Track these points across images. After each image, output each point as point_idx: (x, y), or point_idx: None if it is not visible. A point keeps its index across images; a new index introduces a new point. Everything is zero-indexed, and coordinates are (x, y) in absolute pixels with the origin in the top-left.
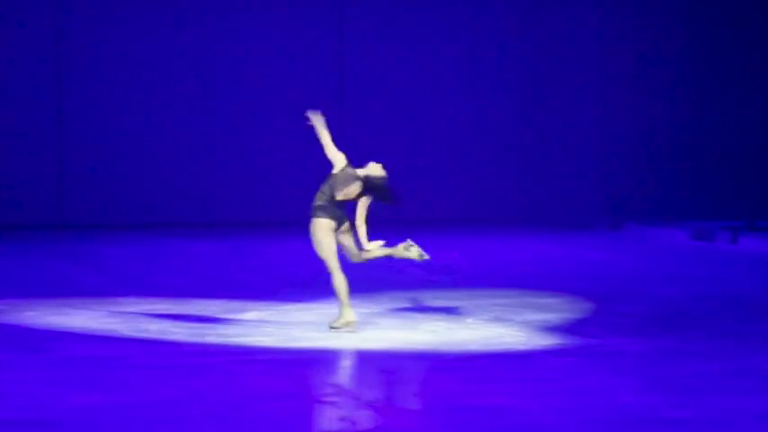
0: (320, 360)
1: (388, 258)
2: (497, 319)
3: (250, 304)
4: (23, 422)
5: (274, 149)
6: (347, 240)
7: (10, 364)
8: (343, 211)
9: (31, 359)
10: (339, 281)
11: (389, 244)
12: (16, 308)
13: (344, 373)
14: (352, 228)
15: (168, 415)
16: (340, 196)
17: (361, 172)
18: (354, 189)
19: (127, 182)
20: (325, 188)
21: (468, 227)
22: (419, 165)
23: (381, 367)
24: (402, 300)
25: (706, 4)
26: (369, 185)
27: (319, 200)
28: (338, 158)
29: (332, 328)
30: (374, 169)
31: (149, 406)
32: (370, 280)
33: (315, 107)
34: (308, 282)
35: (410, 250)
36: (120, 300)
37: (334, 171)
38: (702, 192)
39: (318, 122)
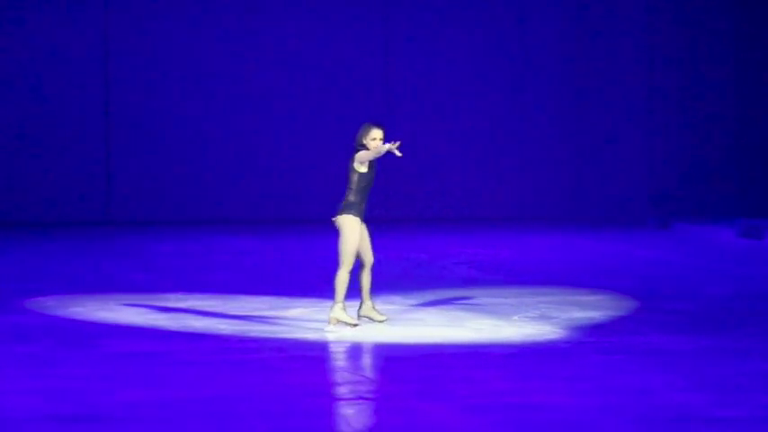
0: (363, 356)
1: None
2: (543, 317)
3: (295, 301)
4: (70, 418)
5: (320, 147)
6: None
7: (58, 360)
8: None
9: (79, 355)
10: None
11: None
12: (64, 304)
13: (387, 369)
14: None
15: (214, 410)
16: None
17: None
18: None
19: (173, 179)
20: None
21: (516, 225)
22: (465, 164)
23: (426, 364)
24: (448, 297)
25: (755, 3)
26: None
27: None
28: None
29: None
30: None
31: (195, 402)
32: (416, 277)
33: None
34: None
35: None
36: (166, 296)
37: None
38: (750, 189)
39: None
